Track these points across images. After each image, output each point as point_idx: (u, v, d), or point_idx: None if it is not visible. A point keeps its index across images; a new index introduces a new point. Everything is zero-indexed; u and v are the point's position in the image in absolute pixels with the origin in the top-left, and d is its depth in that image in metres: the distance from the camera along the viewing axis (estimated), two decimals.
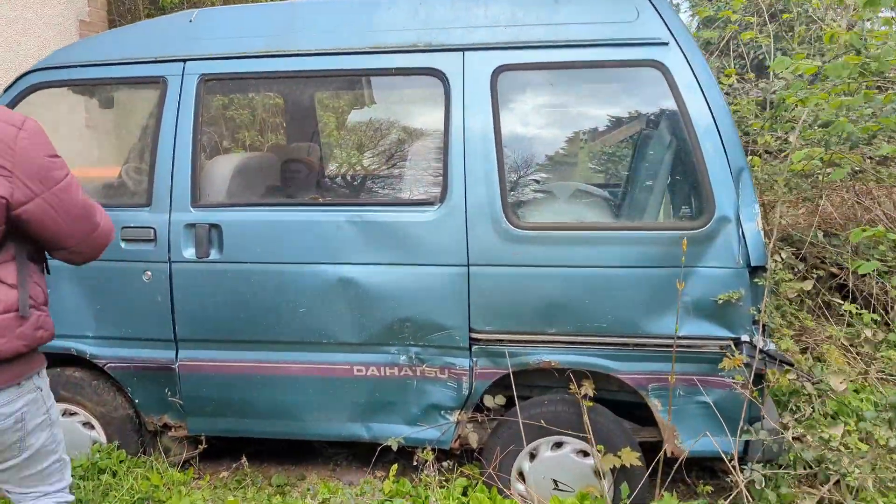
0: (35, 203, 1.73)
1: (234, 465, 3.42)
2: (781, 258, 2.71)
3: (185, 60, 3.04)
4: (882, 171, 4.38)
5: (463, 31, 2.87)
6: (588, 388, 2.75)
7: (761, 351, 2.57)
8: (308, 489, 3.24)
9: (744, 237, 2.63)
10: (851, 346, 3.70)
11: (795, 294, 3.37)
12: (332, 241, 2.90)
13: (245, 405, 3.08)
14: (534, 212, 3.05)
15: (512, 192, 2.89)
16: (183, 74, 3.03)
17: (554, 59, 2.81)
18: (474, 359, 2.87)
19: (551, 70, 2.87)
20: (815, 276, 3.68)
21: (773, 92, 4.21)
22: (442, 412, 2.96)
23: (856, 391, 3.24)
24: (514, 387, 2.81)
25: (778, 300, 3.35)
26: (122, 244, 3.00)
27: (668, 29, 2.72)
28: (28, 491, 1.97)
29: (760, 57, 7.35)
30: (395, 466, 3.06)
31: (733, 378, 2.61)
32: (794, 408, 2.72)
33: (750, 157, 4.00)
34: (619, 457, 2.68)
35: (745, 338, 2.63)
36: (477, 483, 2.94)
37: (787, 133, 4.46)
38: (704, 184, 2.65)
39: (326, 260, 2.91)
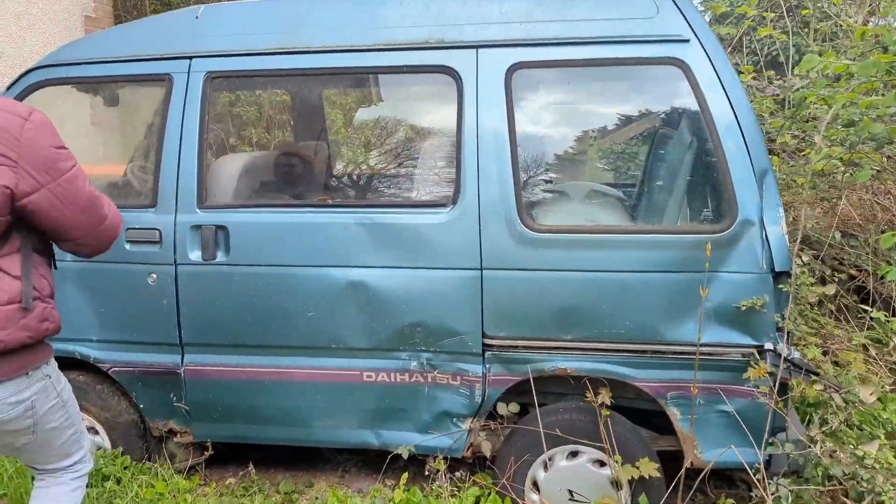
0: (40, 193, 1.72)
1: (240, 472, 3.36)
2: (802, 261, 2.62)
3: (191, 58, 2.96)
4: None
5: (476, 27, 2.78)
6: (605, 397, 2.66)
7: (786, 360, 2.48)
8: (316, 497, 3.17)
9: (768, 241, 2.54)
10: (868, 350, 3.61)
11: (816, 298, 3.28)
12: (342, 244, 2.83)
13: (252, 411, 3.01)
14: (549, 213, 2.97)
15: (526, 194, 2.81)
16: (189, 72, 2.96)
17: (570, 57, 2.72)
18: (487, 365, 2.80)
19: (567, 68, 2.77)
20: (836, 279, 3.59)
21: (797, 89, 4.11)
22: (454, 420, 2.88)
23: (879, 399, 3.15)
24: (534, 394, 2.73)
25: (799, 305, 3.27)
26: (127, 245, 2.93)
27: (690, 25, 2.63)
28: (50, 467, 2.05)
29: (774, 53, 7.24)
30: (405, 475, 2.99)
31: (757, 388, 2.52)
32: (821, 420, 2.63)
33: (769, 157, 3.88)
34: (638, 468, 2.59)
35: (768, 346, 2.54)
36: (490, 493, 2.87)
37: (805, 132, 4.36)
38: (727, 186, 2.56)
39: (335, 263, 2.83)
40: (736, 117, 2.56)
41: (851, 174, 4.50)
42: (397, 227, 2.79)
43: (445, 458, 2.91)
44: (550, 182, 3.17)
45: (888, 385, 3.22)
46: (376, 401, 2.92)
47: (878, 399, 3.10)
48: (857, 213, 4.45)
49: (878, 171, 4.39)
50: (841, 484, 2.33)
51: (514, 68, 2.74)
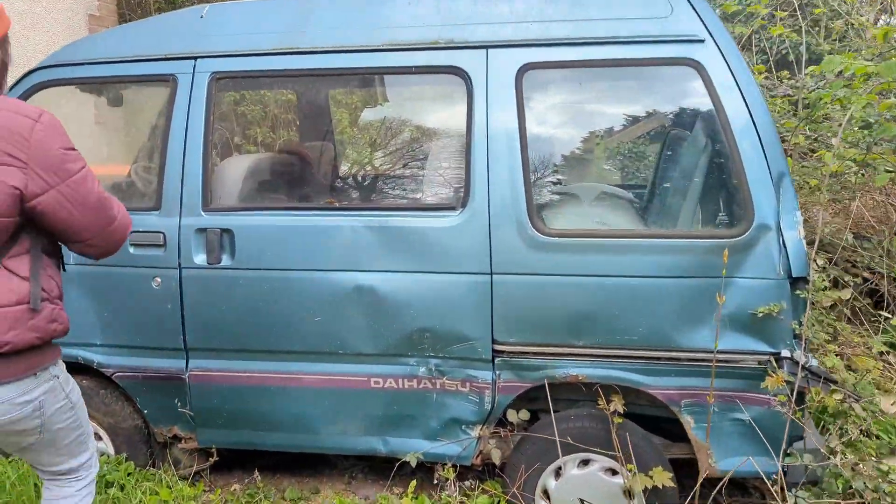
0: (50, 195, 1.72)
1: (246, 478, 3.32)
2: (817, 265, 2.56)
3: (195, 58, 2.92)
4: None
5: (487, 27, 2.73)
6: (618, 404, 2.61)
7: (804, 368, 2.43)
8: None
9: (785, 246, 2.48)
10: (885, 355, 3.55)
11: (830, 302, 3.22)
12: (349, 247, 2.78)
13: (257, 417, 2.97)
14: (559, 216, 2.91)
15: (538, 197, 2.75)
16: (194, 72, 2.91)
17: (582, 57, 2.66)
18: (497, 371, 2.75)
19: (579, 68, 2.72)
20: (851, 283, 3.53)
21: (812, 90, 4.04)
22: (463, 427, 2.83)
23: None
24: (549, 401, 2.68)
25: (815, 310, 3.21)
26: (131, 249, 2.88)
27: (705, 25, 2.57)
28: (55, 469, 2.03)
29: (783, 52, 7.16)
30: (413, 482, 2.94)
31: (774, 396, 2.46)
32: (841, 430, 2.58)
33: None
34: (651, 477, 2.54)
35: (785, 353, 2.49)
36: (499, 501, 2.82)
37: (817, 133, 4.30)
38: (743, 189, 2.50)
39: (343, 267, 2.78)
40: (752, 119, 2.50)
41: (863, 175, 4.44)
42: (405, 231, 2.74)
43: (454, 466, 2.86)
44: (560, 184, 3.12)
45: None
46: (384, 407, 2.87)
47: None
48: (870, 215, 4.39)
49: (890, 171, 4.33)
50: (862, 498, 2.27)
51: (524, 69, 2.69)
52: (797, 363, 2.43)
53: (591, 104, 3.07)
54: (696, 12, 2.59)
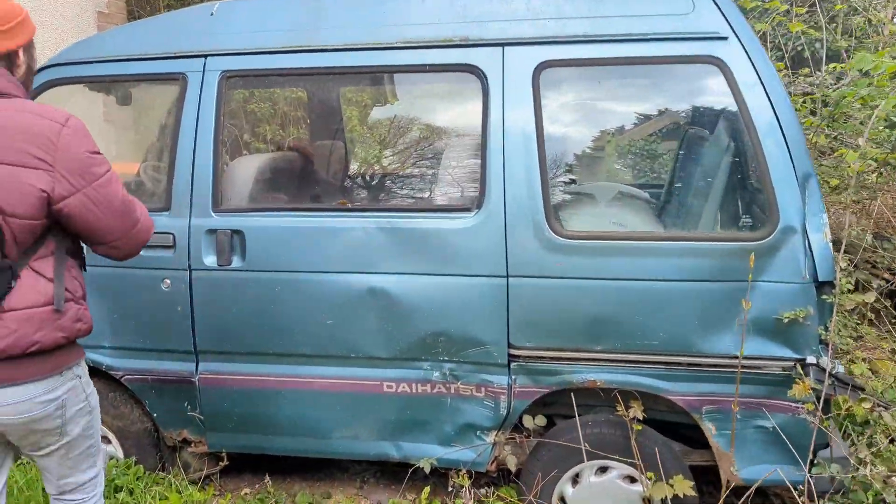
0: (76, 198, 1.75)
1: (256, 482, 3.27)
2: (842, 268, 2.49)
3: (205, 56, 2.86)
4: None
5: (502, 24, 2.66)
6: (637, 411, 2.55)
7: (831, 375, 2.36)
8: None
9: (811, 249, 2.41)
10: None
11: (853, 305, 3.15)
12: (361, 249, 2.72)
13: (268, 421, 2.92)
14: (576, 217, 2.85)
15: (554, 198, 2.69)
16: (204, 71, 2.85)
17: (601, 55, 2.59)
18: (513, 376, 2.69)
19: (598, 67, 2.66)
20: (875, 286, 3.45)
21: (836, 88, 3.96)
22: (478, 432, 2.77)
23: None
24: (575, 407, 2.63)
25: (841, 315, 3.14)
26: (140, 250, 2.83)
27: (728, 22, 2.50)
28: (62, 481, 2.01)
29: (799, 48, 7.06)
30: (427, 489, 2.89)
31: (801, 403, 2.40)
32: (869, 440, 2.51)
33: None
34: (672, 485, 2.48)
35: (811, 359, 2.42)
36: None
37: (837, 132, 4.22)
38: (767, 191, 2.43)
39: (355, 269, 2.73)
40: (777, 118, 2.43)
41: (881, 174, 4.36)
42: (419, 232, 2.68)
43: (469, 472, 2.80)
44: (578, 184, 3.05)
45: None
46: (396, 412, 2.82)
47: None
48: (891, 215, 4.30)
49: None
50: None
51: (541, 67, 2.62)
52: (823, 370, 2.37)
53: (610, 103, 3.00)
54: (719, 8, 2.51)
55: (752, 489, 2.43)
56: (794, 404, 2.47)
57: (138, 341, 2.93)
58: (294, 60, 2.80)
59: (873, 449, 2.48)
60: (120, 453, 3.10)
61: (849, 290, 2.65)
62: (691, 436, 2.79)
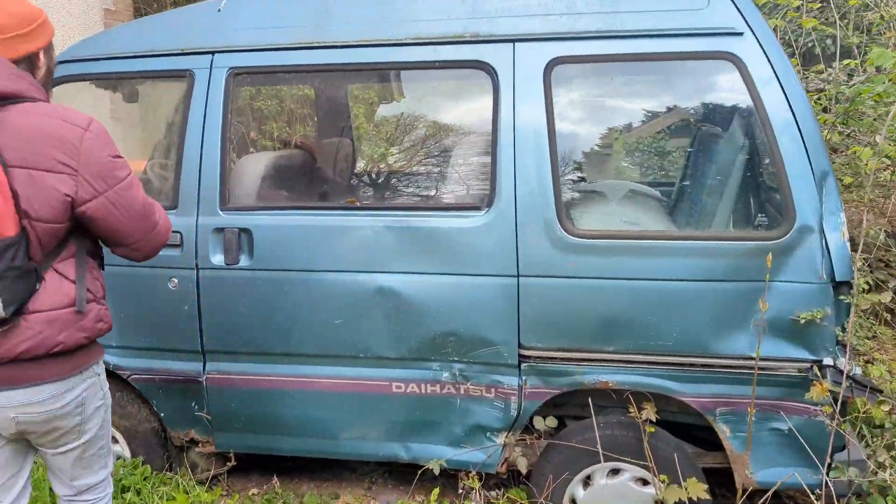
0: (98, 201, 1.78)
1: (263, 482, 3.25)
2: (859, 268, 2.45)
3: (213, 53, 2.83)
4: None
5: (514, 20, 2.62)
6: (650, 412, 2.51)
7: (848, 377, 2.32)
8: None
9: (828, 249, 2.37)
10: None
11: (869, 306, 3.10)
12: (370, 248, 2.69)
13: (276, 421, 2.89)
14: (586, 215, 2.81)
15: (566, 197, 2.65)
16: (211, 68, 2.82)
17: (613, 52, 2.55)
18: (524, 377, 2.65)
19: (610, 63, 2.62)
20: (891, 286, 3.40)
21: (852, 85, 3.91)
22: (488, 434, 2.74)
23: None
24: (588, 407, 2.60)
25: (859, 317, 3.09)
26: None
27: (743, 17, 2.45)
28: (75, 483, 2.03)
29: (809, 45, 6.99)
30: (436, 490, 2.86)
31: (819, 406, 2.35)
32: (888, 444, 2.46)
33: None
34: (685, 488, 2.44)
35: (828, 361, 2.38)
36: None
37: (850, 129, 4.16)
38: (784, 189, 2.39)
39: (364, 268, 2.70)
40: (794, 115, 2.39)
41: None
42: (429, 231, 2.65)
43: (479, 474, 2.77)
44: (589, 182, 3.01)
45: None
46: (405, 413, 2.79)
47: None
48: None
49: None
50: None
51: (553, 63, 2.58)
52: (841, 372, 2.32)
53: (622, 100, 2.96)
54: (734, 3, 2.47)
55: (770, 493, 2.39)
56: (810, 406, 2.43)
57: (145, 341, 2.91)
58: (302, 57, 2.77)
59: (893, 452, 2.43)
60: (127, 453, 3.08)
61: (865, 290, 2.60)
62: (703, 437, 2.76)
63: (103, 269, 2.04)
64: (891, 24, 5.63)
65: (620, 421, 2.65)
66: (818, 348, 2.40)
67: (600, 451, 2.57)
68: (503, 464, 2.77)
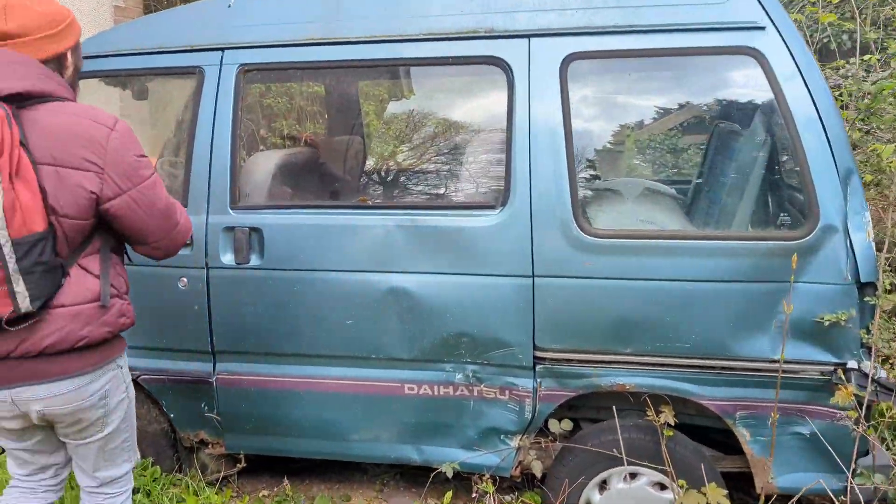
0: (122, 199, 1.82)
1: (274, 484, 3.21)
2: (883, 268, 2.39)
3: (223, 49, 2.79)
4: None
5: (529, 15, 2.57)
6: (668, 416, 2.46)
7: (873, 380, 2.26)
8: None
9: (852, 249, 2.30)
10: None
11: (891, 307, 3.04)
12: (382, 248, 2.64)
13: (286, 423, 2.85)
14: (604, 216, 2.76)
15: (582, 196, 2.59)
16: (221, 64, 2.78)
17: (631, 47, 2.49)
18: (538, 379, 2.60)
19: (628, 58, 2.55)
20: None
21: (874, 81, 3.83)
22: (502, 436, 2.69)
23: None
24: (610, 411, 2.55)
25: (885, 319, 3.02)
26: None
27: (765, 11, 2.39)
28: (98, 474, 2.06)
29: (825, 40, 6.90)
30: (449, 493, 2.81)
31: (843, 410, 2.29)
32: None
33: None
34: (704, 494, 2.38)
35: (852, 364, 2.32)
36: None
37: (868, 125, 4.09)
38: (807, 188, 2.32)
39: (375, 268, 2.66)
40: (817, 112, 2.32)
41: None
42: (442, 231, 2.60)
43: (493, 477, 2.72)
44: (604, 180, 2.96)
45: None
46: (418, 414, 2.74)
47: None
48: None
49: None
50: None
51: (569, 59, 2.52)
52: (866, 375, 2.26)
53: (640, 97, 2.90)
54: None
55: (795, 499, 2.33)
56: (832, 410, 2.38)
57: (155, 341, 2.87)
58: (312, 53, 2.73)
59: None
60: (137, 454, 3.04)
61: (887, 291, 2.54)
62: (720, 440, 2.71)
63: (127, 263, 2.09)
64: None
65: (637, 424, 2.60)
66: (842, 351, 2.34)
67: (617, 454, 2.52)
68: (517, 467, 2.72)
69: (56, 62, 1.87)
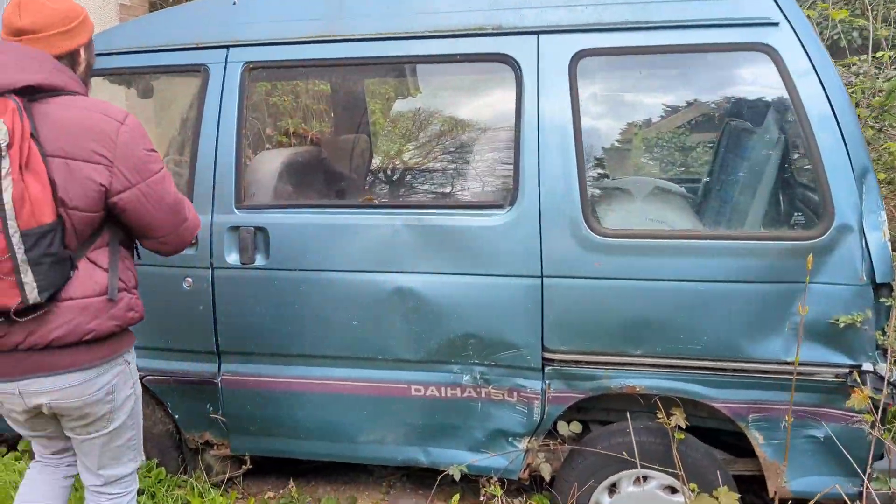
0: (131, 192, 1.83)
1: (280, 485, 3.18)
2: None
3: (228, 47, 2.76)
4: None
5: (537, 11, 2.53)
6: (679, 419, 2.42)
7: (889, 383, 2.21)
8: None
9: (868, 249, 2.26)
10: None
11: None
12: (388, 247, 2.61)
13: (292, 424, 2.83)
14: (614, 215, 2.72)
15: (592, 195, 2.56)
16: (226, 62, 2.76)
17: (641, 43, 2.45)
18: (547, 381, 2.57)
19: (638, 55, 2.51)
20: None
21: (890, 78, 3.78)
22: (510, 439, 2.66)
23: None
24: (620, 413, 2.51)
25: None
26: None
27: (779, 7, 2.35)
28: (101, 472, 2.07)
29: (835, 37, 6.84)
30: (457, 496, 2.78)
31: (859, 413, 2.25)
32: None
33: None
34: (717, 497, 2.34)
35: (867, 366, 2.27)
36: None
37: (883, 123, 4.03)
38: (822, 186, 2.28)
39: (382, 268, 2.62)
40: (832, 109, 2.28)
41: None
42: (449, 230, 2.57)
43: (501, 480, 2.69)
44: (614, 179, 2.92)
45: None
46: (425, 416, 2.71)
47: None
48: None
49: None
50: None
51: (579, 56, 2.49)
52: (882, 377, 2.22)
53: (650, 94, 2.86)
54: None
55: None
56: (847, 413, 2.33)
57: (160, 341, 2.85)
58: (318, 51, 2.69)
59: None
60: (142, 455, 3.02)
61: None
62: (732, 443, 2.67)
63: (138, 258, 2.10)
64: None
65: (647, 426, 2.56)
66: (857, 353, 2.30)
67: (628, 457, 2.48)
68: (525, 470, 2.69)
69: (69, 58, 1.89)
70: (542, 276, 2.49)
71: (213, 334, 2.79)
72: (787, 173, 2.49)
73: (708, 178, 3.14)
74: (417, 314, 2.61)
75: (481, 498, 2.70)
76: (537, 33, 2.52)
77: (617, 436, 2.56)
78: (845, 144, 2.27)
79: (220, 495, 2.93)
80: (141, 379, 2.81)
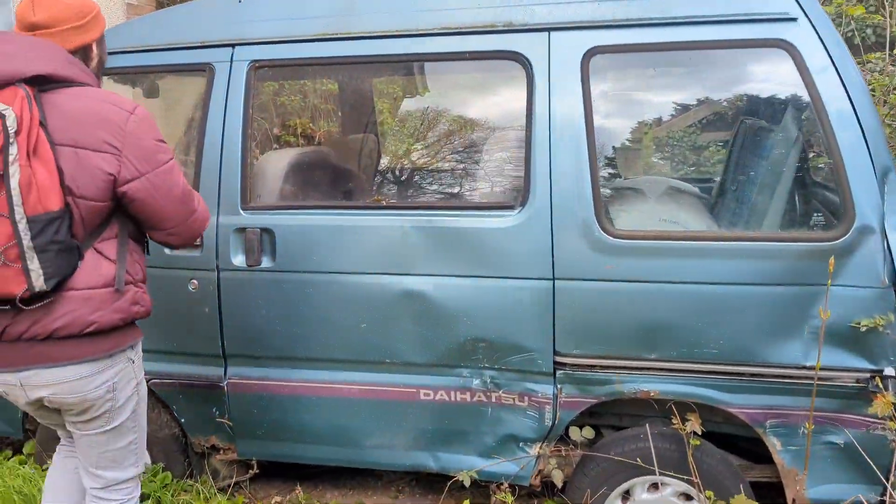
0: (139, 182, 1.83)
1: (286, 490, 3.14)
2: None
3: (233, 45, 2.72)
4: None
5: (548, 8, 2.47)
6: (695, 424, 2.36)
7: None
8: None
9: (890, 251, 2.20)
10: None
11: None
12: (397, 249, 2.56)
13: (299, 428, 2.78)
14: (627, 216, 2.66)
15: (605, 195, 2.50)
16: (231, 61, 2.71)
17: (655, 40, 2.39)
18: (559, 386, 2.51)
19: (652, 52, 2.46)
20: None
21: None
22: (521, 444, 2.61)
23: None
24: (633, 419, 2.45)
25: None
26: (166, 250, 2.70)
27: (797, 2, 2.29)
28: (100, 473, 2.05)
29: (849, 34, 6.75)
30: (466, 502, 2.73)
31: (882, 419, 2.19)
32: None
33: None
34: None
35: (889, 371, 2.21)
36: None
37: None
38: (842, 186, 2.22)
39: (390, 270, 2.58)
40: (853, 107, 2.22)
41: None
42: (459, 232, 2.52)
43: (511, 486, 2.64)
44: (626, 179, 2.86)
45: None
46: (434, 421, 2.66)
47: None
48: None
49: None
50: None
51: (591, 53, 2.43)
52: None
53: (664, 92, 2.80)
54: None
55: None
56: (867, 419, 2.27)
57: (165, 344, 2.81)
58: (325, 49, 2.65)
59: None
60: (147, 459, 2.98)
61: None
62: (748, 448, 2.61)
63: (148, 253, 2.08)
64: None
65: (662, 432, 2.50)
66: (878, 357, 2.24)
67: (642, 464, 2.42)
68: (537, 476, 2.64)
69: (82, 53, 1.91)
70: (553, 279, 2.43)
71: (219, 337, 2.75)
72: (805, 173, 2.43)
73: (723, 178, 3.08)
74: (426, 317, 2.56)
75: (491, 503, 2.65)
76: (548, 30, 2.47)
77: (631, 441, 2.51)
78: (866, 143, 2.21)
79: (227, 500, 2.90)
80: (147, 382, 2.80)
